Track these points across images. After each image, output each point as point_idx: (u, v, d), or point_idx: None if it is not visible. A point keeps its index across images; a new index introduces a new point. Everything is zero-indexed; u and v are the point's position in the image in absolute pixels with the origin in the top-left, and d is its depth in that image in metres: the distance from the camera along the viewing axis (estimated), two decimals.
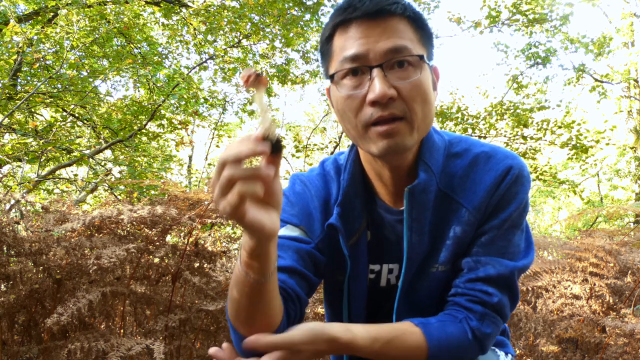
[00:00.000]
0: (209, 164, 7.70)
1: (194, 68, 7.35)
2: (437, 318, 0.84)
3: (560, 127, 7.19)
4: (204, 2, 7.02)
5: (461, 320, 0.83)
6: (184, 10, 7.13)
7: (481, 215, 0.85)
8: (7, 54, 4.73)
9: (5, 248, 1.87)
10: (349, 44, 0.78)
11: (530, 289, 2.36)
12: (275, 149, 0.58)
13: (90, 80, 5.46)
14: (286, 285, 0.83)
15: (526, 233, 0.90)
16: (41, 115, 6.57)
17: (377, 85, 0.75)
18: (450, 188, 0.86)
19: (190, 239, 2.11)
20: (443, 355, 0.80)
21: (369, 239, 0.93)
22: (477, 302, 0.84)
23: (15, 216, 2.16)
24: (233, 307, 0.75)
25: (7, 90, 4.81)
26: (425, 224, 0.86)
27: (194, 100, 6.42)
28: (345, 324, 0.79)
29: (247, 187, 0.57)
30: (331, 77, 0.81)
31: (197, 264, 2.10)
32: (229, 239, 2.61)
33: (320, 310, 2.15)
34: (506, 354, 1.02)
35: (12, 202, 1.98)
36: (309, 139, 7.37)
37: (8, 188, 3.73)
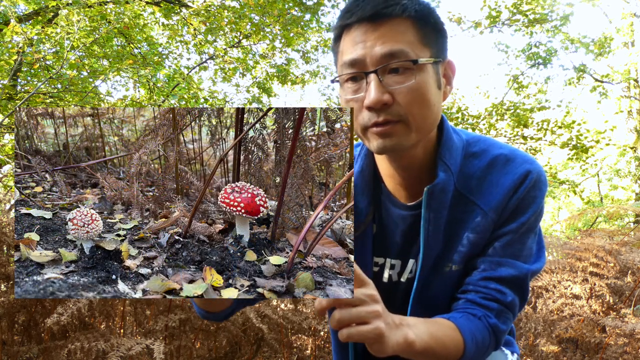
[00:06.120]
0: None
1: (194, 68, 7.36)
2: (457, 314, 0.85)
3: (560, 127, 7.20)
4: (204, 2, 7.02)
5: (480, 317, 0.84)
6: (184, 10, 7.12)
7: (497, 217, 0.85)
8: (7, 54, 4.72)
9: (5, 248, 1.87)
10: (349, 48, 0.79)
11: (530, 288, 2.36)
12: None
13: (90, 80, 5.45)
14: None
15: (538, 236, 0.91)
16: None
17: (372, 92, 0.76)
18: (467, 189, 0.87)
19: None
20: (472, 349, 0.80)
21: (374, 232, 0.94)
22: (492, 299, 0.85)
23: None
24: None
25: (7, 90, 4.81)
26: (441, 223, 0.87)
27: (194, 100, 6.42)
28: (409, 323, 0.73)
29: None
30: (335, 81, 0.84)
31: None
32: None
33: None
34: (512, 352, 1.03)
35: (12, 202, 1.98)
36: None
37: (8, 188, 3.73)
